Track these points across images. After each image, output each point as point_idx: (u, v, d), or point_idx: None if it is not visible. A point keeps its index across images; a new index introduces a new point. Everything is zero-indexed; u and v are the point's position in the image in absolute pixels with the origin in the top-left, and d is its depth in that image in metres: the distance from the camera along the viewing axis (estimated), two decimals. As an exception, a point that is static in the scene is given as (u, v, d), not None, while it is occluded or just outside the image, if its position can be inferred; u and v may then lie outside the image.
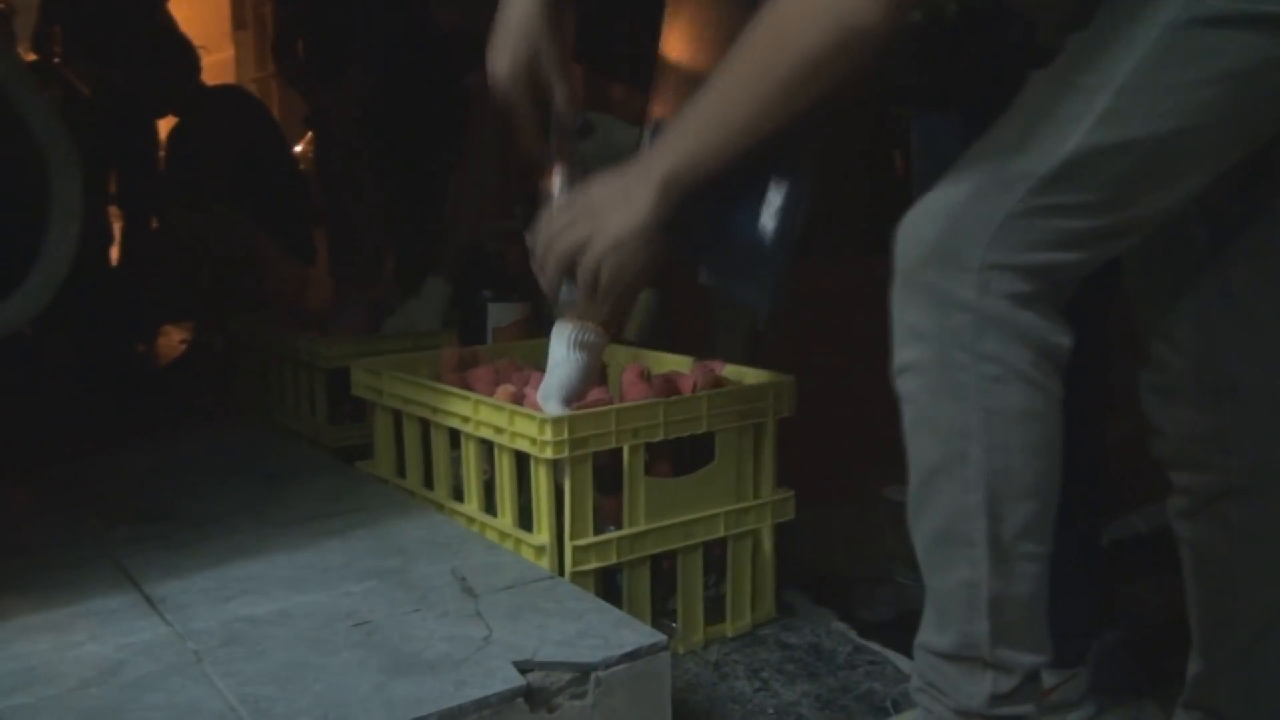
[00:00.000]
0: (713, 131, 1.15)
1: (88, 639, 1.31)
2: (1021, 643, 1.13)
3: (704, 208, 1.23)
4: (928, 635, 1.16)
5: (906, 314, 1.08)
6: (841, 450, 2.57)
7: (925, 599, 1.15)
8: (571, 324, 1.49)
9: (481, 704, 1.15)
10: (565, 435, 1.55)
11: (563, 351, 1.54)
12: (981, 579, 1.09)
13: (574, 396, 1.58)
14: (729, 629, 1.77)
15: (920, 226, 1.07)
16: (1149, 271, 1.23)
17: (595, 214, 1.23)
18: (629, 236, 1.22)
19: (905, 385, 1.09)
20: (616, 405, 1.63)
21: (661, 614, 1.72)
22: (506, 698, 1.16)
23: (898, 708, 1.58)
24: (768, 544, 1.80)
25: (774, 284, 1.28)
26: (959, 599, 1.11)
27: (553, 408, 1.58)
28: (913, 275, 1.07)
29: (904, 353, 1.09)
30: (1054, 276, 1.05)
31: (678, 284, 2.09)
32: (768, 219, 1.27)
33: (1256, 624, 1.27)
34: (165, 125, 3.60)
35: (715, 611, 1.77)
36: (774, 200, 1.27)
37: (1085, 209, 1.04)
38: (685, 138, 1.17)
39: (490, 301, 2.25)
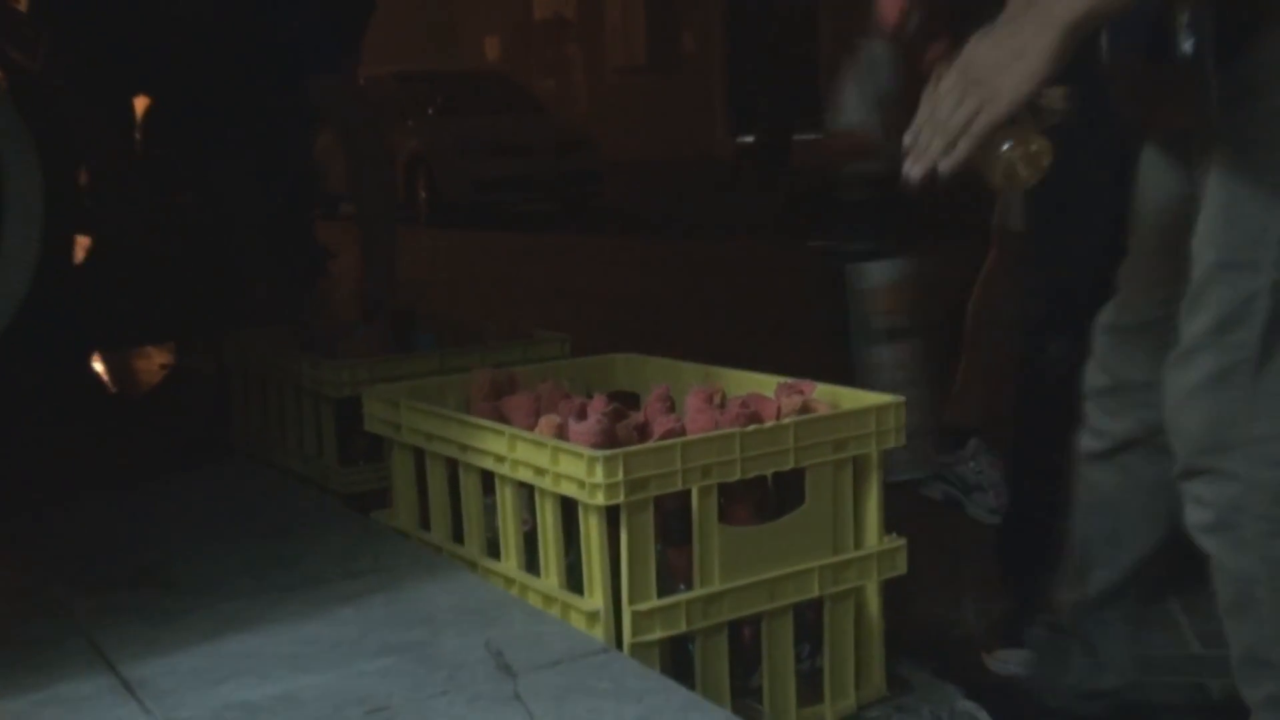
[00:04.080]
0: None
1: (55, 732, 1.37)
2: None
3: None
4: None
5: (1193, 487, 1.56)
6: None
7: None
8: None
9: (520, 807, 1.18)
10: (620, 476, 1.59)
11: None
12: None
13: None
14: (828, 711, 1.79)
15: (1184, 422, 1.55)
16: (1155, 228, 1.75)
17: (983, 80, 1.38)
18: (1026, 97, 1.36)
19: (1202, 542, 1.57)
20: (682, 438, 1.66)
21: (743, 694, 1.74)
22: (550, 799, 1.20)
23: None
24: (874, 604, 1.82)
25: None
26: (1268, 713, 1.56)
27: None
28: (1192, 463, 1.55)
29: (1195, 517, 1.56)
30: None
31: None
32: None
33: (1129, 567, 1.88)
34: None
35: (811, 689, 1.79)
36: None
37: None
38: None
39: (862, 260, 2.17)
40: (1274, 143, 1.47)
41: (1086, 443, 1.89)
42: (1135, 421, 1.83)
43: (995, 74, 1.38)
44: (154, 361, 4.15)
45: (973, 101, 1.40)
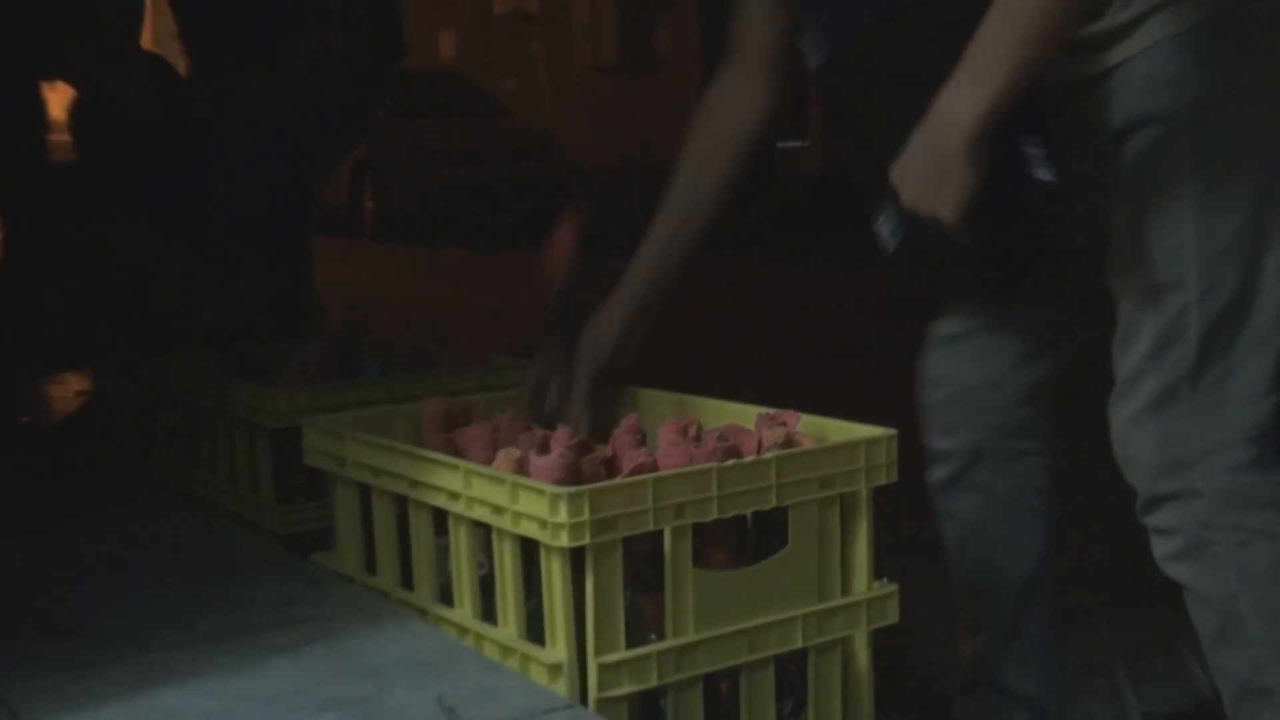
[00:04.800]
0: (1015, 65, 1.59)
1: (-40, 796, 1.37)
2: None
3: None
4: None
5: (1156, 519, 1.71)
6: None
7: None
8: None
9: None
10: (586, 515, 1.60)
11: None
12: None
13: None
14: (813, 773, 1.81)
15: (1135, 452, 1.70)
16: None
17: (923, 202, 1.65)
18: (962, 212, 1.64)
19: (1175, 573, 1.71)
20: (654, 474, 1.68)
21: (721, 754, 1.75)
22: None
23: None
24: (863, 657, 1.84)
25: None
26: None
27: None
28: (1151, 491, 1.70)
29: (1164, 547, 1.70)
30: (1263, 427, 1.66)
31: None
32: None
33: (1016, 592, 1.97)
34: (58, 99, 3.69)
35: (794, 749, 1.81)
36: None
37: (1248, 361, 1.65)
38: (989, 78, 1.59)
39: None
40: (1167, 164, 1.66)
41: (934, 474, 1.99)
42: (977, 430, 1.94)
43: (931, 203, 1.64)
44: (71, 388, 4.14)
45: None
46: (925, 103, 1.68)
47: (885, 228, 1.76)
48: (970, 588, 2.02)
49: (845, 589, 1.81)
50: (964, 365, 1.94)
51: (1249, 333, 1.66)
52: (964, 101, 1.60)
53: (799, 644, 1.77)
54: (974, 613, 2.03)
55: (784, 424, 1.86)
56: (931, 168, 1.63)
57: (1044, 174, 1.67)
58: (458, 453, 1.89)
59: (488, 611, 1.79)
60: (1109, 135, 1.68)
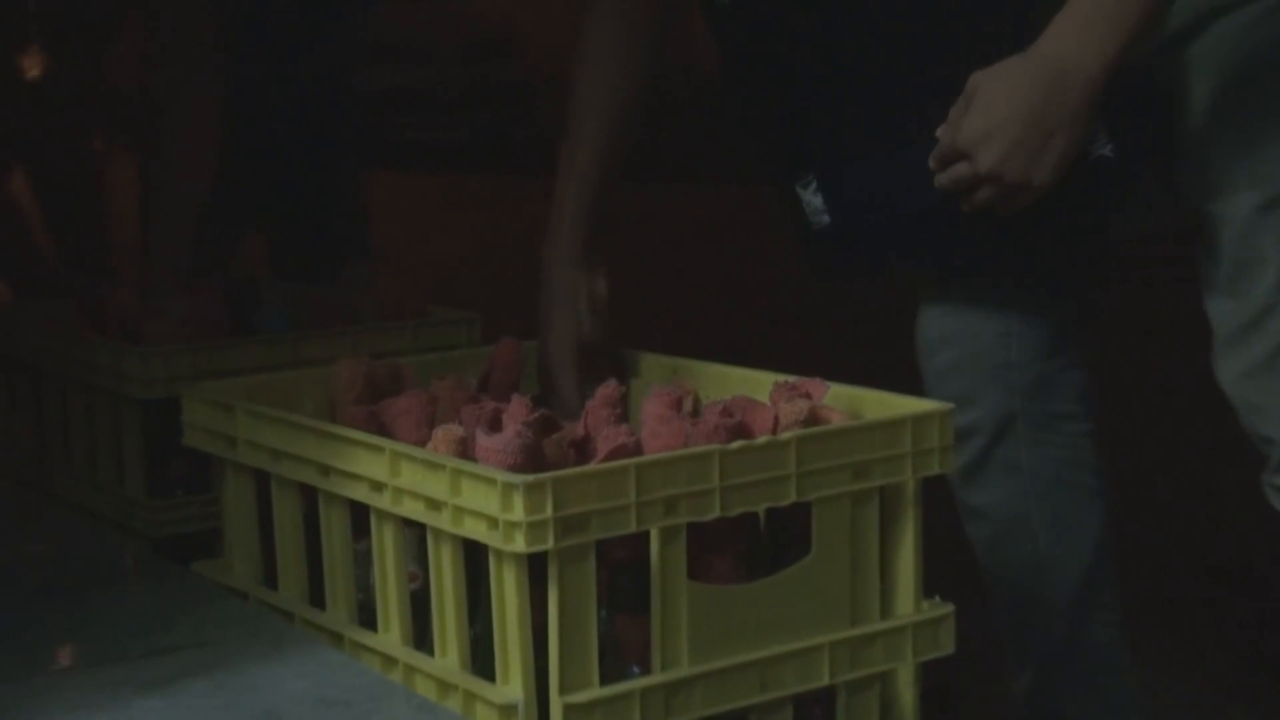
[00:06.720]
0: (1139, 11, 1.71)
1: None
2: None
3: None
4: None
5: None
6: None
7: None
8: None
9: None
10: (548, 511, 1.59)
11: None
12: None
13: None
14: (843, 847, 1.81)
15: (1271, 401, 1.79)
16: None
17: (1008, 174, 1.75)
18: (1059, 177, 1.76)
19: None
20: (637, 459, 1.66)
21: (723, 821, 1.75)
22: None
23: None
24: (908, 697, 1.83)
25: None
26: None
27: None
28: None
29: None
30: None
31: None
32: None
33: (1071, 597, 2.02)
34: None
35: (818, 816, 1.80)
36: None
37: None
38: (1122, 17, 1.68)
39: None
40: (1265, 50, 1.77)
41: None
42: (999, 393, 1.99)
43: (1027, 166, 1.74)
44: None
45: (1010, 183, 1.77)
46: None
47: (816, 199, 1.81)
48: (1012, 604, 2.06)
49: (886, 610, 1.81)
50: (971, 317, 1.98)
51: None
52: (1092, 46, 1.69)
53: (825, 680, 1.76)
54: (1020, 635, 2.06)
55: (808, 395, 1.85)
56: (1036, 125, 1.71)
57: (1105, 150, 1.77)
58: (384, 430, 1.88)
59: (421, 637, 1.79)
60: (1179, 28, 1.78)
